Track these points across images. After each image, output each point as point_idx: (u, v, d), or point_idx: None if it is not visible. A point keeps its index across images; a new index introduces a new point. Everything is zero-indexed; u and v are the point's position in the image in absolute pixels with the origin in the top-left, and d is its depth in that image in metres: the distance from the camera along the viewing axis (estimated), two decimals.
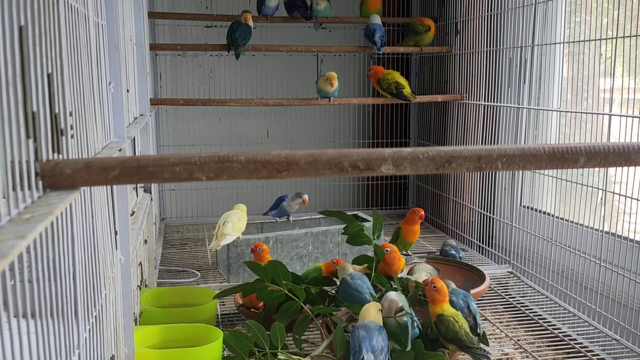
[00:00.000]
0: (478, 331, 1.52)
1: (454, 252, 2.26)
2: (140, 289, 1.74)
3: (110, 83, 1.14)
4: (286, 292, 1.59)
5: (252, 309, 1.76)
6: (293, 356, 1.45)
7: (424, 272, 1.80)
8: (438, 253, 2.37)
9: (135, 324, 1.50)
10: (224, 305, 2.01)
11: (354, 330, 1.35)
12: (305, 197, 2.44)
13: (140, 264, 1.74)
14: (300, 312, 1.60)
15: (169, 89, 3.13)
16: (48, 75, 0.64)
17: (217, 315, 1.87)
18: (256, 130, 3.28)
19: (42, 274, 0.58)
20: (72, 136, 0.73)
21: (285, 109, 3.26)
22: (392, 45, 3.09)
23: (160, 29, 3.07)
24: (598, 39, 1.88)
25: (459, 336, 1.42)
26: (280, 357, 1.43)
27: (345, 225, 1.83)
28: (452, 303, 1.59)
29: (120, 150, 1.02)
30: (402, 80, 2.67)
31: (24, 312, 0.53)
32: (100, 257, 0.90)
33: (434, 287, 1.47)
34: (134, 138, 1.76)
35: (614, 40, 1.77)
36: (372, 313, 1.39)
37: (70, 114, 0.73)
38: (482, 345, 1.44)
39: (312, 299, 1.63)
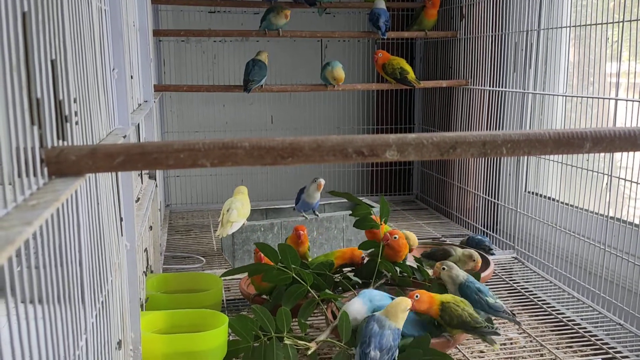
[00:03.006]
0: (495, 302, 1.53)
1: (480, 236, 2.26)
2: (146, 275, 1.75)
3: (114, 69, 1.14)
4: (293, 275, 1.60)
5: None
6: (299, 341, 1.46)
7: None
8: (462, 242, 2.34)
9: (142, 310, 1.51)
10: (229, 291, 2.02)
11: (369, 320, 1.33)
12: (320, 180, 2.26)
13: (145, 250, 1.74)
14: (305, 297, 1.61)
15: (172, 75, 3.12)
16: (52, 62, 0.64)
17: (223, 300, 1.88)
18: (260, 117, 3.27)
19: (48, 260, 0.58)
20: (76, 123, 0.74)
21: (289, 95, 3.25)
22: (397, 30, 3.07)
23: (164, 14, 3.05)
24: (604, 23, 1.87)
25: (463, 319, 1.42)
26: (285, 341, 1.44)
27: (350, 211, 1.84)
28: (465, 289, 1.58)
29: (124, 136, 1.02)
30: (407, 66, 2.66)
31: (31, 297, 0.54)
32: (106, 243, 0.91)
33: (417, 297, 1.45)
34: (139, 125, 1.76)
35: (621, 23, 1.75)
36: (399, 311, 1.34)
37: (75, 101, 0.73)
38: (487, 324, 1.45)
39: (318, 284, 1.63)
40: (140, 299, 1.38)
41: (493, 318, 1.56)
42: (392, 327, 1.31)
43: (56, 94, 0.64)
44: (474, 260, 1.80)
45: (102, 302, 0.85)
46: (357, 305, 1.47)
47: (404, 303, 1.36)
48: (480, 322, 1.42)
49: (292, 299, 1.59)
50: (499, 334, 1.43)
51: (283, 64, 3.18)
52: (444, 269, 1.63)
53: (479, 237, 2.27)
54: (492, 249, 2.19)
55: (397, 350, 1.32)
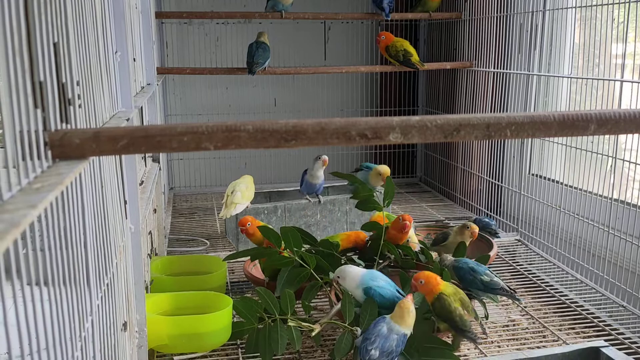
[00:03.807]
0: (491, 280, 1.54)
1: (486, 219, 2.27)
2: (150, 258, 1.76)
3: (116, 52, 1.14)
4: (296, 258, 1.61)
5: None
6: (302, 323, 1.47)
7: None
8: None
9: (147, 292, 1.52)
10: (233, 273, 2.04)
11: (380, 321, 1.33)
12: (324, 157, 2.23)
13: (150, 232, 1.75)
14: (310, 279, 1.61)
15: (175, 58, 3.11)
16: (54, 45, 0.63)
17: (227, 283, 1.89)
18: (264, 99, 3.26)
19: (53, 242, 0.58)
20: (79, 106, 0.73)
21: (292, 77, 3.24)
22: (401, 11, 3.05)
23: None
24: (611, 3, 1.85)
25: (452, 317, 1.41)
26: (289, 323, 1.45)
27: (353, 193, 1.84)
28: (458, 270, 1.60)
29: (128, 119, 1.02)
30: (410, 48, 2.64)
31: (37, 279, 0.54)
32: (111, 226, 0.91)
33: (421, 282, 1.46)
34: (142, 107, 1.76)
35: (627, 4, 1.73)
36: (405, 314, 1.33)
37: (78, 84, 0.73)
38: (475, 329, 1.43)
39: (322, 266, 1.64)
40: (145, 281, 1.39)
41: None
42: (400, 333, 1.31)
43: (59, 77, 0.64)
44: (468, 228, 1.83)
45: (107, 284, 0.86)
46: (359, 271, 1.51)
47: (406, 305, 1.35)
48: (467, 327, 1.40)
49: (296, 282, 1.60)
50: (477, 342, 1.42)
51: (286, 46, 3.16)
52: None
53: (486, 219, 2.26)
54: (497, 233, 2.18)
55: (398, 355, 1.32)
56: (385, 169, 2.27)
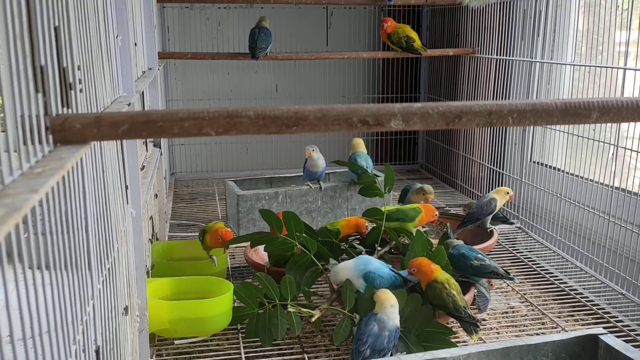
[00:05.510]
0: (482, 264, 1.55)
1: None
2: (151, 243, 1.77)
3: (117, 36, 1.13)
4: (297, 243, 1.61)
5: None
6: (302, 308, 1.48)
7: None
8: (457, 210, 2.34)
9: (148, 276, 1.53)
10: (234, 258, 2.04)
11: (369, 319, 1.33)
12: (306, 148, 2.25)
13: (151, 217, 1.76)
14: (310, 266, 1.62)
15: (177, 43, 3.09)
16: (55, 29, 0.63)
17: (228, 268, 1.90)
18: (265, 85, 3.25)
19: (55, 227, 0.59)
20: (80, 90, 0.73)
21: (294, 63, 3.22)
22: None
23: None
24: None
25: (445, 303, 1.41)
26: (289, 309, 1.45)
27: (354, 180, 1.85)
28: (451, 257, 1.60)
29: (129, 104, 1.02)
30: (413, 34, 2.63)
31: (38, 263, 0.54)
32: (112, 210, 0.91)
33: (414, 270, 1.47)
34: (143, 92, 1.76)
35: None
36: (391, 305, 1.34)
37: (79, 68, 0.73)
38: (470, 313, 1.43)
39: (322, 252, 1.64)
40: (146, 265, 1.40)
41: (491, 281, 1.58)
42: (392, 328, 1.31)
43: (60, 61, 0.64)
44: (425, 194, 1.99)
45: (109, 268, 0.86)
46: (348, 264, 1.50)
47: (381, 297, 1.35)
48: (461, 312, 1.41)
49: (296, 267, 1.60)
50: (477, 326, 1.41)
51: (288, 32, 3.14)
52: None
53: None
54: (507, 219, 2.16)
55: (391, 350, 1.32)
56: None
